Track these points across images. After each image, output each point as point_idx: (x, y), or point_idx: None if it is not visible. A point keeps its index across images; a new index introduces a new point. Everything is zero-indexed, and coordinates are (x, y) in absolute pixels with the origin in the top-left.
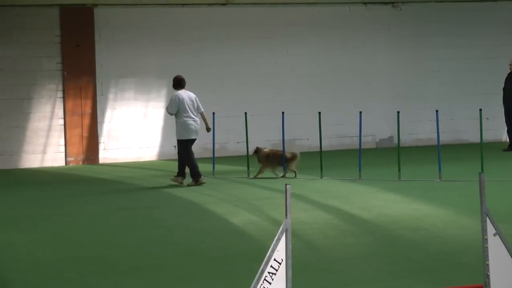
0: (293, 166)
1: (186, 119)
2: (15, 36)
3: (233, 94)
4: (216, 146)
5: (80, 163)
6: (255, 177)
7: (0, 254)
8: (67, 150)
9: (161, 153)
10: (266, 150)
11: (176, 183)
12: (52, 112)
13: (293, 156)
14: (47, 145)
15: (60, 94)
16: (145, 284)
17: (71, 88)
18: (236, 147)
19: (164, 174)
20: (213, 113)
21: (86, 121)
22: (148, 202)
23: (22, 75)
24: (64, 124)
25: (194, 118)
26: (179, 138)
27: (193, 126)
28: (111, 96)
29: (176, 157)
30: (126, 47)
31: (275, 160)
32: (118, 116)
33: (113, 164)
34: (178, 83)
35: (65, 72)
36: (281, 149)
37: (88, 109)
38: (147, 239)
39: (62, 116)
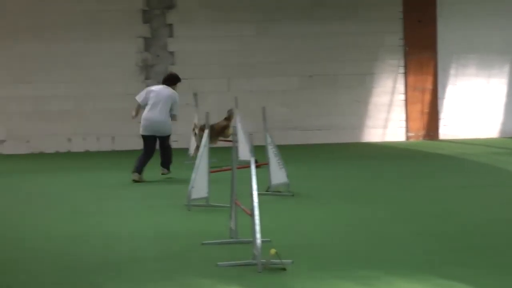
0: None
1: None
2: (360, 13)
3: None
4: None
5: (420, 138)
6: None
7: (326, 225)
8: (407, 126)
9: (503, 130)
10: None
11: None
12: (393, 87)
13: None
14: (388, 120)
15: (401, 69)
16: (489, 264)
17: (412, 64)
18: None
19: (506, 152)
20: None
21: (427, 96)
22: (491, 180)
23: (364, 50)
24: (405, 100)
25: None
26: (170, 134)
27: None
28: (452, 71)
29: None
30: (468, 21)
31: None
32: (459, 92)
33: (453, 141)
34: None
35: (406, 48)
36: None
37: (428, 85)
38: (492, 219)
39: (403, 92)
